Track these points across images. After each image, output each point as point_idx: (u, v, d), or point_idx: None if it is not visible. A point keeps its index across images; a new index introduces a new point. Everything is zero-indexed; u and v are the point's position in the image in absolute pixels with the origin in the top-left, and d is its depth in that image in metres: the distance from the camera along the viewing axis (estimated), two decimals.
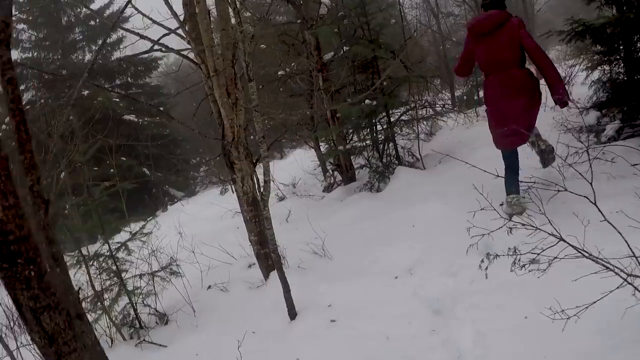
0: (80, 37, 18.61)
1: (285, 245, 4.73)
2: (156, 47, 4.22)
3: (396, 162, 7.13)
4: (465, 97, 11.34)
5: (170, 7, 4.12)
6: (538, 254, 2.34)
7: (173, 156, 19.19)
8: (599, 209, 2.13)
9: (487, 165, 5.76)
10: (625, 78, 5.52)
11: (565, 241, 2.22)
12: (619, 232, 2.14)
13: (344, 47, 7.03)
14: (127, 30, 4.57)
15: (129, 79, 19.52)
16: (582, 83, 10.59)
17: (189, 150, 21.62)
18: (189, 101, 15.32)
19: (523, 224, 2.39)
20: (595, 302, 2.16)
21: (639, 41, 5.27)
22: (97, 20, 17.77)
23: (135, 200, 16.62)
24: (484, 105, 4.31)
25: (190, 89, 5.46)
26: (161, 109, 15.99)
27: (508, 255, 2.48)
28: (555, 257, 2.28)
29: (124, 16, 13.44)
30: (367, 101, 6.51)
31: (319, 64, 7.29)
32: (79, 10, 17.47)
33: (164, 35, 4.20)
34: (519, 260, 2.46)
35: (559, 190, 2.17)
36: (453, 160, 6.99)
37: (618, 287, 2.10)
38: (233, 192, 14.05)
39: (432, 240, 4.09)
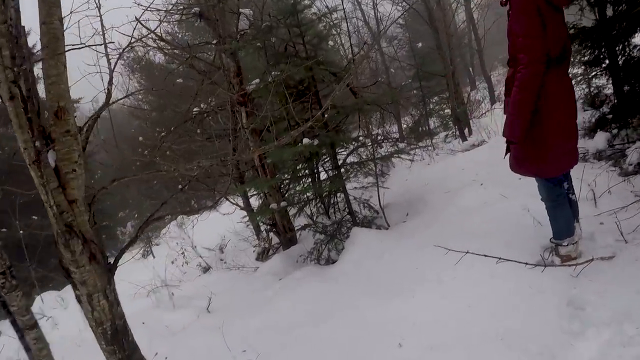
0: None
1: None
2: None
3: (349, 218, 5.30)
4: (420, 128, 9.87)
5: None
6: None
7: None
8: None
9: (477, 216, 3.99)
10: (613, 89, 4.49)
11: None
12: None
13: (273, 72, 5.20)
14: None
15: None
16: None
17: (117, 202, 18.72)
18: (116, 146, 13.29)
19: None
20: None
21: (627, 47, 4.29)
22: None
23: (52, 264, 14.73)
24: (542, 114, 2.61)
25: None
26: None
27: None
28: None
29: None
30: (305, 140, 4.71)
31: (240, 94, 5.46)
32: None
33: None
34: None
35: None
36: (422, 211, 5.28)
37: None
38: (154, 256, 11.87)
39: None
